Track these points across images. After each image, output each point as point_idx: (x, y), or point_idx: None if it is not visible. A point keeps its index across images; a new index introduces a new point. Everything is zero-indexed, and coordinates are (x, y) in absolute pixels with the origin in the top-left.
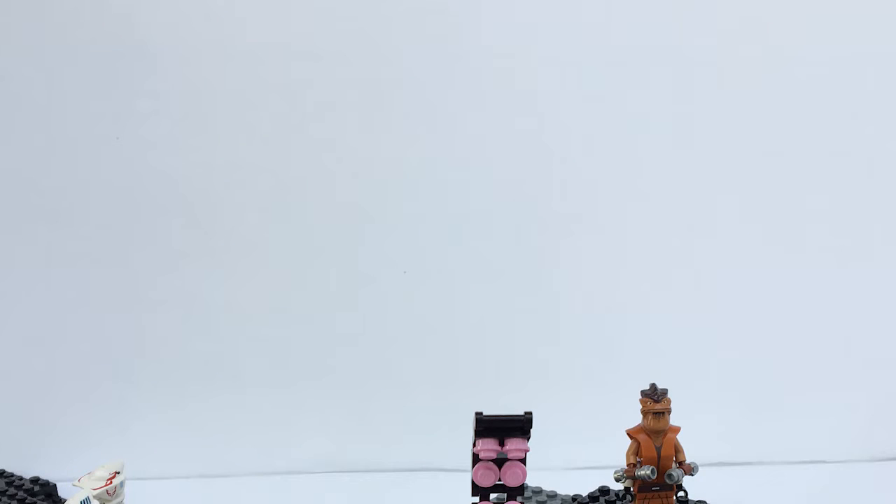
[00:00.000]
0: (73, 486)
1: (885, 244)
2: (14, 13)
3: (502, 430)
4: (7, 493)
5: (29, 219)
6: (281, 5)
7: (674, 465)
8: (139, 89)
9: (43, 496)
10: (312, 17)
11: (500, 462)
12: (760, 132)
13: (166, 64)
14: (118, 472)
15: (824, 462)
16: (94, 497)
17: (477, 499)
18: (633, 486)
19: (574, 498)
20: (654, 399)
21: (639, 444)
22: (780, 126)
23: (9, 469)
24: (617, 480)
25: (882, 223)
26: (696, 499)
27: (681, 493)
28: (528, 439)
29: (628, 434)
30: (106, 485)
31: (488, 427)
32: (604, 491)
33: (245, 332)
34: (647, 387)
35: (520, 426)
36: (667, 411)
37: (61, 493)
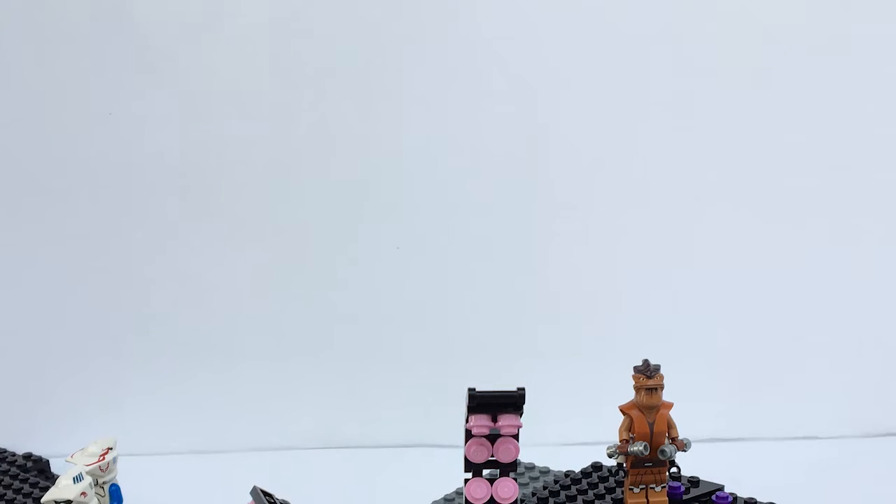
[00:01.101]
0: (66, 462)
1: (879, 224)
2: None
3: (495, 405)
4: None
5: (22, 195)
6: None
7: (666, 440)
8: (132, 65)
9: (36, 472)
10: None
11: (492, 438)
12: (758, 114)
13: (159, 40)
14: (111, 448)
15: (817, 438)
16: (87, 473)
17: (470, 474)
18: (626, 461)
19: (567, 473)
20: (647, 375)
21: (631, 420)
22: (778, 108)
23: (1, 445)
24: (610, 456)
25: (877, 203)
26: (688, 475)
27: (673, 469)
28: (520, 415)
29: (621, 410)
30: (99, 461)
31: (481, 403)
32: (596, 467)
33: (239, 308)
34: (639, 363)
35: (513, 402)
36: (660, 387)
37: (54, 469)
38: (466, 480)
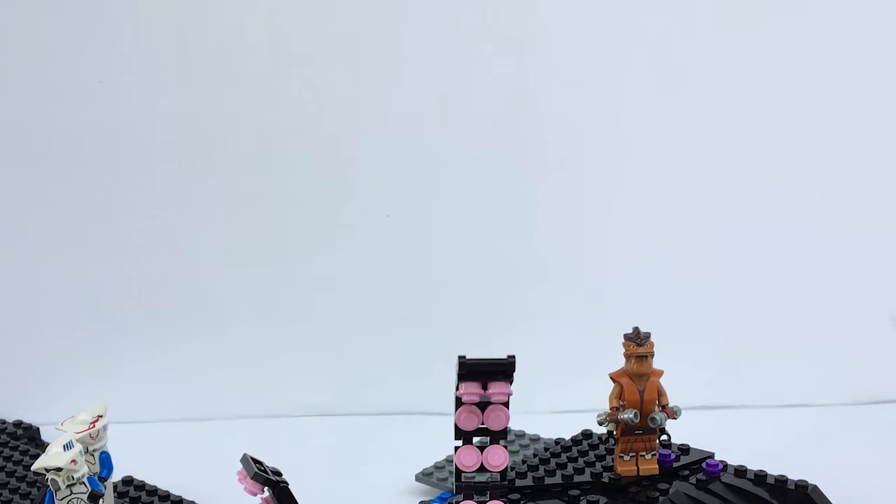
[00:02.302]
0: (56, 429)
1: (868, 191)
2: None
3: (485, 373)
4: None
5: (12, 162)
6: None
7: (657, 408)
8: (122, 33)
9: (26, 440)
10: None
11: (483, 406)
12: (748, 77)
13: (150, 7)
14: (101, 416)
15: (807, 405)
16: (78, 440)
17: (460, 442)
18: (616, 429)
19: (557, 441)
20: (637, 342)
21: (622, 387)
22: (768, 70)
23: None
24: (600, 424)
25: (866, 170)
26: (678, 442)
27: (664, 437)
28: (511, 383)
29: (611, 378)
30: (89, 428)
31: (471, 371)
32: (587, 434)
33: (229, 276)
34: (630, 330)
35: (503, 370)
36: (650, 355)
37: (44, 436)
38: (457, 448)
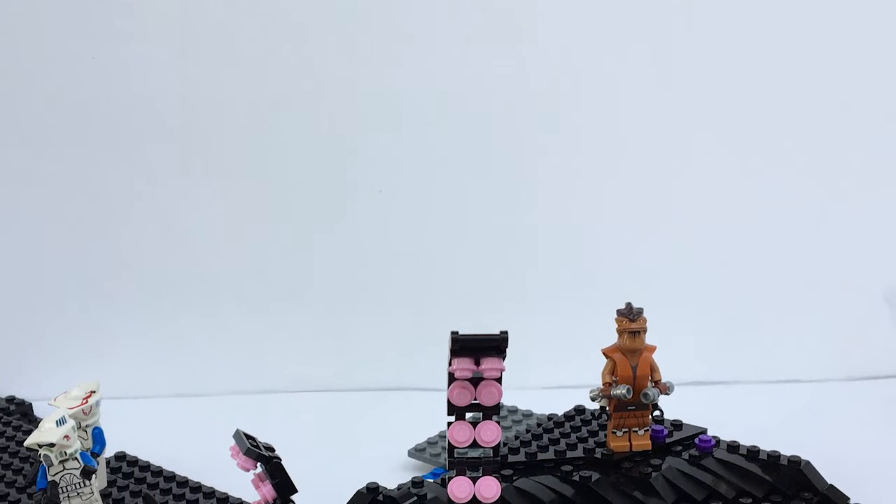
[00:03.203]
0: (49, 405)
1: (860, 169)
2: None
3: (478, 349)
4: None
5: (5, 138)
6: None
7: (649, 384)
8: (115, 9)
9: (19, 415)
10: None
11: (475, 381)
12: (741, 62)
13: None
14: (94, 392)
15: (799, 381)
16: (70, 416)
17: (453, 418)
18: (609, 405)
19: (550, 417)
20: (630, 318)
21: (614, 363)
22: (762, 54)
23: None
24: (593, 400)
25: (859, 149)
26: (671, 418)
27: (656, 413)
28: (503, 359)
29: (604, 353)
30: (82, 404)
31: (464, 346)
32: (579, 410)
33: (222, 252)
34: (622, 306)
35: (495, 345)
36: (642, 330)
37: (37, 412)
38: (449, 424)
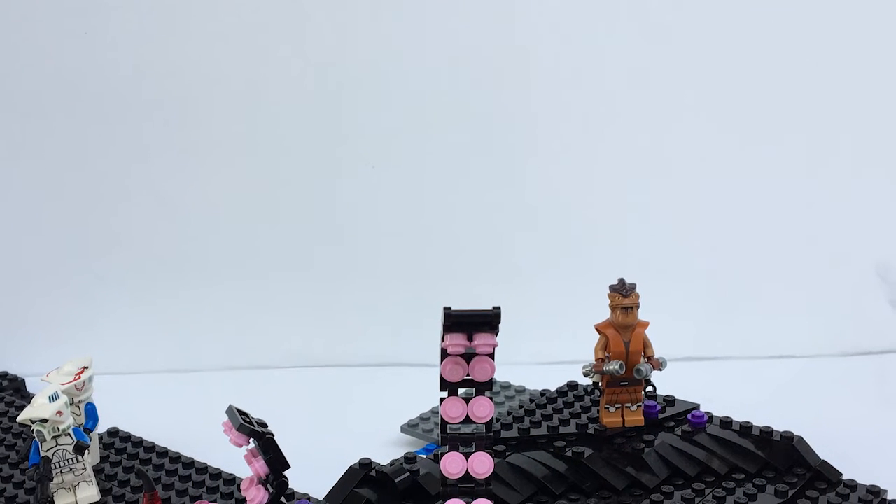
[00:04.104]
0: (42, 381)
1: (853, 144)
2: None
3: (471, 325)
4: None
5: None
6: None
7: (642, 359)
8: None
9: (11, 391)
10: None
11: (468, 357)
12: (734, 31)
13: None
14: (87, 367)
15: (793, 357)
16: (63, 392)
17: (445, 393)
18: (602, 381)
19: (542, 393)
20: (623, 294)
21: (607, 339)
22: (755, 24)
23: None
24: (585, 375)
25: (851, 124)
26: (664, 393)
27: (649, 388)
28: (496, 334)
29: (597, 329)
30: (74, 380)
31: (457, 322)
32: (572, 386)
33: (214, 227)
34: (615, 282)
35: (488, 321)
36: (635, 306)
37: (30, 388)
38: (442, 399)
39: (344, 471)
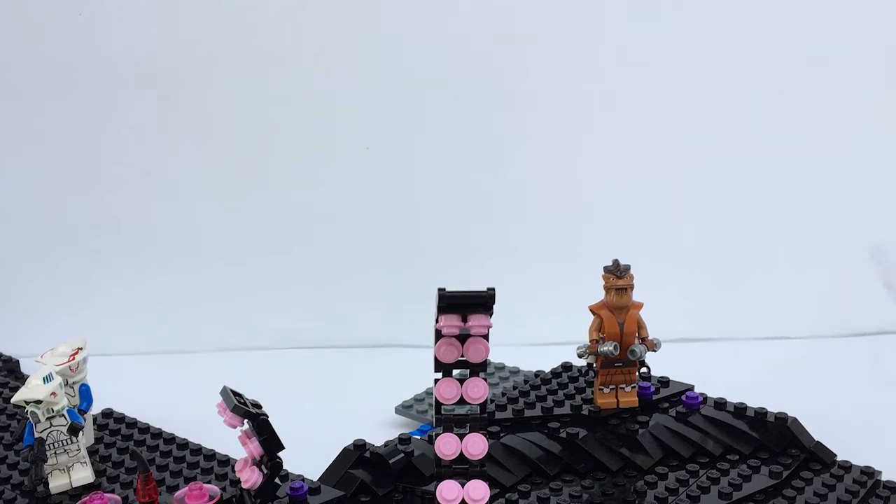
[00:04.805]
0: (36, 362)
1: (845, 124)
2: None
3: (465, 306)
4: None
5: None
6: None
7: (636, 341)
8: None
9: (5, 372)
10: None
11: (462, 338)
12: (726, 10)
13: None
14: (81, 349)
15: (787, 338)
16: (57, 373)
17: (440, 375)
18: (596, 362)
19: (537, 374)
20: (617, 275)
21: (601, 320)
22: (751, 4)
23: None
24: (580, 356)
25: (843, 104)
26: (658, 374)
27: (643, 369)
28: (490, 315)
29: (591, 310)
30: (69, 361)
31: (451, 303)
32: (567, 367)
33: (208, 208)
34: (610, 263)
35: (483, 302)
36: (629, 287)
37: (24, 369)
38: (436, 380)
39: (338, 452)
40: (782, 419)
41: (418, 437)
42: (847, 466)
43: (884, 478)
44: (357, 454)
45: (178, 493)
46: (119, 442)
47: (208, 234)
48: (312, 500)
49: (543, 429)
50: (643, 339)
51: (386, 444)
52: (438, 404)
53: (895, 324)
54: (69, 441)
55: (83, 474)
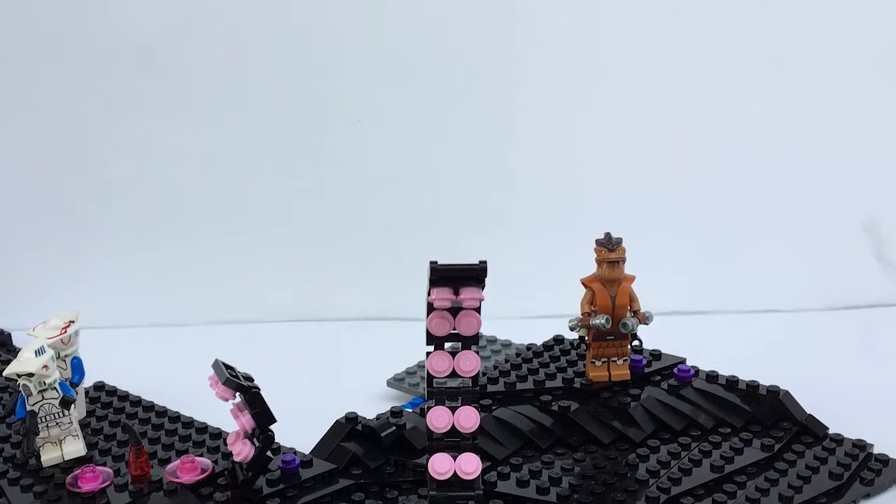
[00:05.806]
0: (28, 335)
1: (838, 98)
2: None
3: (457, 279)
4: None
5: None
6: None
7: (628, 314)
8: None
9: None
10: None
11: (454, 311)
12: None
13: None
14: (73, 322)
15: (779, 311)
16: (49, 346)
17: (432, 348)
18: (588, 335)
19: (529, 347)
20: (609, 248)
21: (593, 293)
22: None
23: None
24: (572, 329)
25: (836, 78)
26: (650, 348)
27: (635, 342)
28: (482, 288)
29: (583, 283)
30: (61, 334)
31: (443, 276)
32: (558, 340)
33: (201, 181)
34: (601, 236)
35: (474, 275)
36: (621, 260)
37: (16, 342)
38: (428, 353)
39: (330, 425)
40: (774, 392)
41: (410, 411)
42: (839, 439)
43: (875, 450)
44: (349, 427)
45: (169, 466)
46: (111, 415)
47: (200, 208)
48: (304, 472)
49: (535, 402)
50: (635, 312)
51: (378, 418)
52: (430, 377)
53: (887, 297)
54: (61, 414)
55: (75, 447)
